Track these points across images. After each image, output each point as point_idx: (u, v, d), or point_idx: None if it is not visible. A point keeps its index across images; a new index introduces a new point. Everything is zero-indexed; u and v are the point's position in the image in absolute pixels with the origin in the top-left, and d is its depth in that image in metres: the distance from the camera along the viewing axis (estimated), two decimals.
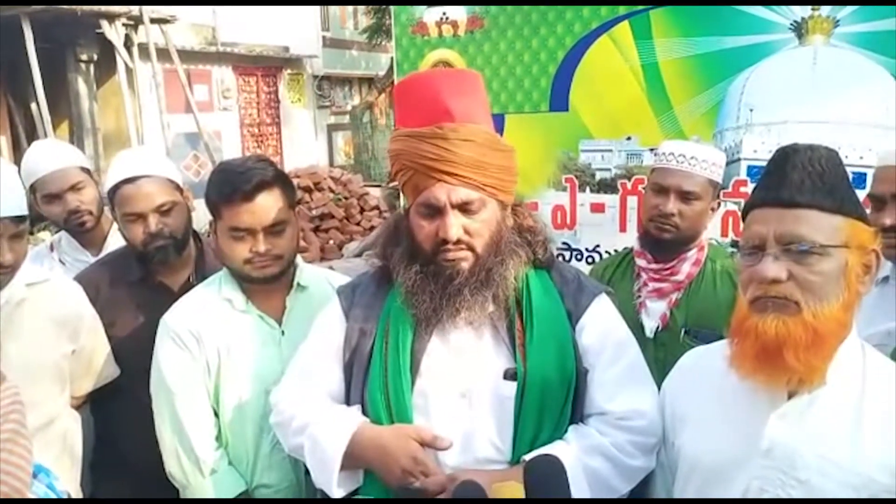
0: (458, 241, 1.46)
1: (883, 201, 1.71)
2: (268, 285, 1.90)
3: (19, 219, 1.70)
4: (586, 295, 1.57)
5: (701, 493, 1.34)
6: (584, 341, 1.53)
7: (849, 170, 1.27)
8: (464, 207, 1.46)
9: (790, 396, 1.25)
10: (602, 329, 1.56)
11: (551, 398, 1.47)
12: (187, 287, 2.11)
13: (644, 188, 2.66)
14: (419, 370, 1.51)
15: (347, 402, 1.60)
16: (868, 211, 1.49)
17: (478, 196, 1.47)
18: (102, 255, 2.42)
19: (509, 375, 1.48)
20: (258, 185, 1.79)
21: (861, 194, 1.45)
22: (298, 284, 1.96)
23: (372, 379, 1.54)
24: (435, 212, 1.47)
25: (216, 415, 1.89)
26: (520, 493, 1.19)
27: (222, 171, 1.87)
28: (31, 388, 1.73)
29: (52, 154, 2.49)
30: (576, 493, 1.39)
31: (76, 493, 1.93)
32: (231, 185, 1.79)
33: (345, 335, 1.61)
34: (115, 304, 2.13)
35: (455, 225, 1.45)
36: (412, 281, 1.51)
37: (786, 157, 1.24)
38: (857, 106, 2.42)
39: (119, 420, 2.14)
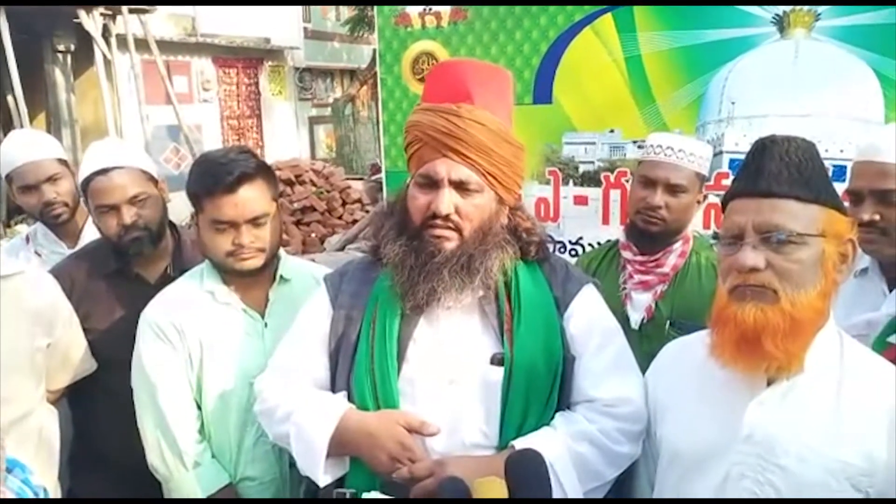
0: (447, 218, 1.48)
1: (861, 196, 1.72)
2: (250, 278, 1.89)
3: None
4: (574, 283, 1.59)
5: (682, 480, 1.36)
6: (572, 329, 1.55)
7: (829, 163, 1.30)
8: (460, 187, 1.48)
9: (769, 384, 1.27)
10: (589, 317, 1.57)
11: (538, 383, 1.48)
12: (165, 279, 2.10)
13: (627, 181, 2.68)
14: (406, 356, 1.51)
15: (333, 389, 1.59)
16: (846, 206, 1.51)
17: (477, 179, 1.49)
18: (78, 246, 2.40)
19: (496, 360, 1.49)
20: (240, 178, 1.77)
21: (841, 187, 1.46)
22: (281, 277, 1.95)
23: (358, 365, 1.54)
24: (432, 185, 1.49)
25: (199, 408, 1.88)
26: (501, 488, 1.19)
27: (203, 163, 1.85)
28: (5, 383, 1.71)
29: (29, 144, 2.46)
30: (563, 478, 1.41)
31: (54, 488, 1.91)
32: (213, 177, 1.77)
33: (331, 322, 1.60)
34: (92, 297, 2.11)
35: (448, 200, 1.47)
36: (395, 253, 1.52)
37: (763, 148, 1.26)
38: (837, 99, 2.44)
39: (98, 413, 2.12)
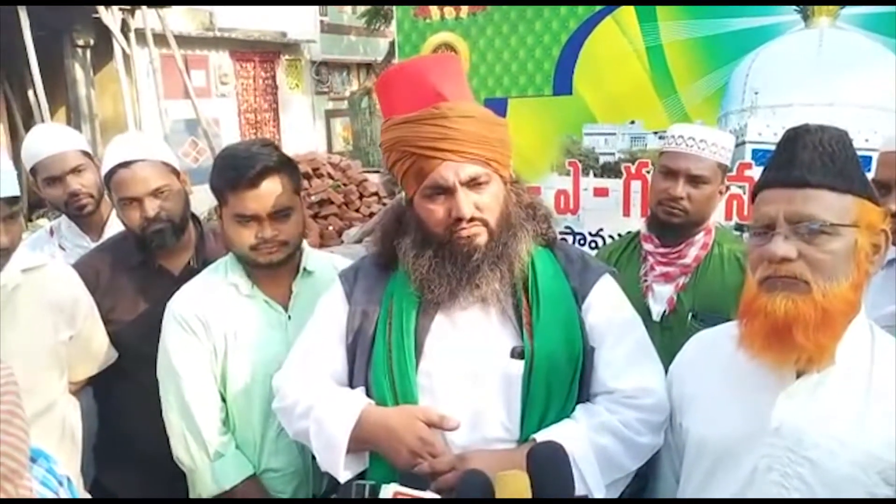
0: (472, 219, 1.47)
1: (887, 187, 1.69)
2: (274, 270, 1.89)
3: (12, 200, 1.68)
4: (591, 274, 1.58)
5: (709, 473, 1.35)
6: (591, 320, 1.54)
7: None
8: (472, 184, 1.47)
9: (799, 376, 1.26)
10: (608, 308, 1.56)
11: (559, 376, 1.48)
12: (188, 271, 2.11)
13: (648, 172, 2.65)
14: (424, 351, 1.51)
15: (351, 385, 1.60)
16: None
17: (484, 171, 1.48)
18: (102, 240, 2.41)
19: (516, 354, 1.48)
20: (263, 171, 1.77)
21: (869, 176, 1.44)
22: (305, 269, 1.96)
23: (376, 360, 1.54)
24: (444, 192, 1.47)
25: (223, 399, 1.90)
26: (524, 481, 1.19)
27: (227, 157, 1.86)
28: (29, 375, 1.72)
29: (52, 137, 2.49)
30: (585, 471, 1.41)
31: (77, 479, 1.92)
32: (235, 171, 1.78)
33: (347, 318, 1.60)
34: (116, 289, 2.13)
35: (466, 202, 1.46)
36: (427, 267, 1.50)
37: (796, 137, 1.24)
38: (862, 88, 2.40)
39: (122, 404, 2.14)
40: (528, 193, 1.63)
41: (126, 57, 10.62)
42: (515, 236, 1.51)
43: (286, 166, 1.85)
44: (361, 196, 10.73)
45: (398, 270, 1.58)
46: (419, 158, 1.48)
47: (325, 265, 2.00)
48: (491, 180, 1.49)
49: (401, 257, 1.56)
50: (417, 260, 1.51)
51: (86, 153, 2.51)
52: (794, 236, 1.18)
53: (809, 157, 1.20)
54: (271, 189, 1.79)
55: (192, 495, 1.93)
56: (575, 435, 1.42)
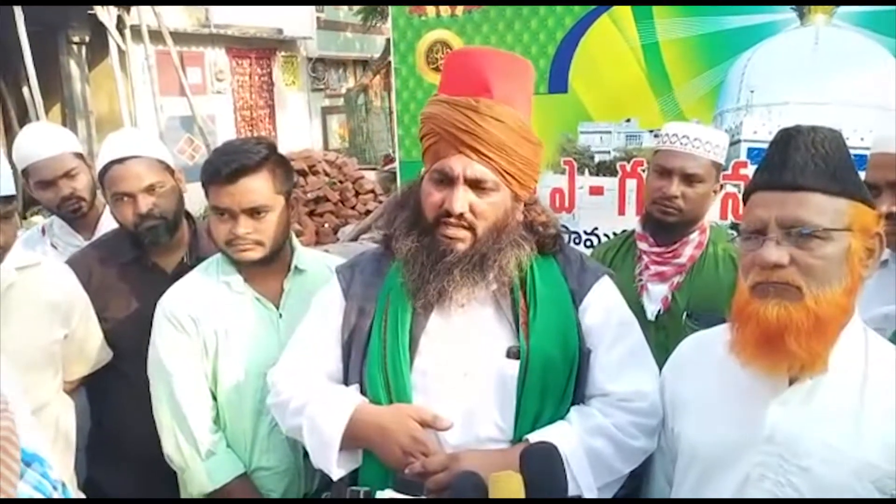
0: (461, 217, 1.45)
1: (878, 189, 1.68)
2: (264, 268, 1.89)
3: (7, 199, 1.67)
4: (589, 276, 1.57)
5: (701, 480, 1.34)
6: (587, 322, 1.53)
7: (850, 152, 1.25)
8: (476, 185, 1.45)
9: (791, 382, 1.24)
10: (605, 310, 1.55)
11: (554, 377, 1.47)
12: (181, 268, 2.11)
13: (644, 170, 2.65)
14: (419, 349, 1.50)
15: (346, 382, 1.59)
16: None
17: (493, 178, 1.46)
18: (94, 238, 2.40)
19: (512, 354, 1.48)
20: (239, 169, 1.77)
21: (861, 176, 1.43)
22: (296, 268, 1.95)
23: (371, 358, 1.53)
24: (447, 181, 1.46)
25: (214, 397, 1.89)
26: (517, 482, 1.18)
27: (216, 150, 1.87)
28: (23, 374, 1.71)
29: (45, 139, 2.46)
30: (578, 473, 1.40)
31: (70, 479, 1.91)
32: (215, 164, 1.79)
33: (343, 314, 1.60)
34: (109, 287, 2.12)
35: (462, 199, 1.44)
36: (408, 248, 1.50)
37: (788, 138, 1.22)
38: (858, 87, 2.40)
39: (115, 403, 2.13)
40: (544, 213, 1.60)
41: (121, 53, 10.59)
42: (501, 251, 1.48)
43: (270, 166, 1.83)
44: (357, 193, 10.72)
45: (395, 263, 1.57)
46: (440, 141, 1.48)
47: (318, 264, 1.99)
48: (498, 189, 1.47)
49: (393, 233, 1.56)
50: (404, 239, 1.52)
51: (78, 155, 2.49)
52: (787, 241, 1.16)
53: (802, 160, 1.18)
54: (248, 187, 1.78)
55: (182, 494, 1.93)
56: (568, 437, 1.42)
